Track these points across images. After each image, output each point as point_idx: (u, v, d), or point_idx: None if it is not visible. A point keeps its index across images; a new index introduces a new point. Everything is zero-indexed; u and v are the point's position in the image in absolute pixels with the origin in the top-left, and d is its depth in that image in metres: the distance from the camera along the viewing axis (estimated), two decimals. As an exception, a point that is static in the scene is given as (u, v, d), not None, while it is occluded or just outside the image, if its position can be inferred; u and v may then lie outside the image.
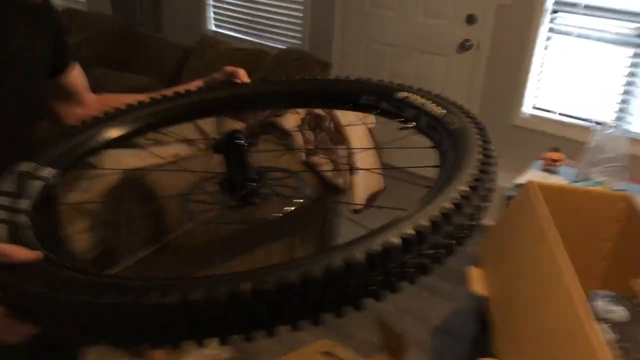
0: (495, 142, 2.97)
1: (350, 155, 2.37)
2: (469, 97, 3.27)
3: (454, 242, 0.58)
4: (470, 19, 3.15)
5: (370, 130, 2.53)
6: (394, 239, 0.54)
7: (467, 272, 1.80)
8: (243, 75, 1.03)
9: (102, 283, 0.55)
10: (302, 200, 0.89)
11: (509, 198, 2.13)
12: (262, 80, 1.09)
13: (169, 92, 1.07)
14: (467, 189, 0.62)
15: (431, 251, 0.57)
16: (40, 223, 0.74)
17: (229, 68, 1.05)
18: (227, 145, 0.89)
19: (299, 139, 2.33)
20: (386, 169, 2.98)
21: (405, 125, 0.90)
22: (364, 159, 2.43)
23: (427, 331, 2.34)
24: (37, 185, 0.79)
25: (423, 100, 0.88)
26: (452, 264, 2.57)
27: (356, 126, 2.45)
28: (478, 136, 0.76)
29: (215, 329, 0.54)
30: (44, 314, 0.58)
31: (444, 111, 0.84)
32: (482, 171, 0.66)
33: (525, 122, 3.12)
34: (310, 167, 2.29)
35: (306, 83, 1.08)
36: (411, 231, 0.55)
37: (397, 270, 0.55)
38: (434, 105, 0.86)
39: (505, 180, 3.05)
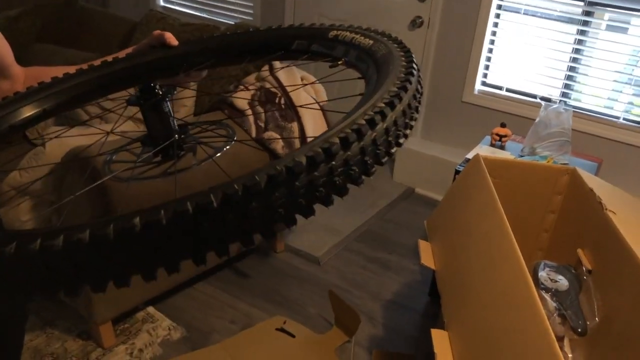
0: (445, 119, 3.03)
1: (302, 131, 2.35)
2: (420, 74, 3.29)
3: (369, 157, 0.57)
4: (421, -4, 3.16)
5: (322, 108, 2.52)
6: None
7: (418, 245, 1.82)
8: (170, 38, 1.00)
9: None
10: (228, 147, 0.85)
11: (458, 173, 2.16)
12: (193, 40, 1.05)
13: (97, 62, 1.02)
14: (382, 105, 0.61)
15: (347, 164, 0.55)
16: None
17: (156, 32, 1.01)
18: (140, 97, 0.85)
19: (251, 117, 2.30)
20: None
21: (335, 63, 0.89)
22: (316, 132, 2.42)
23: (379, 305, 2.37)
24: None
25: (352, 35, 0.87)
26: (402, 238, 2.63)
27: (309, 102, 2.44)
28: (402, 58, 0.75)
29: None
30: None
31: (371, 41, 0.82)
32: (401, 87, 0.65)
33: (475, 99, 3.17)
34: (262, 144, 2.27)
35: (235, 37, 1.04)
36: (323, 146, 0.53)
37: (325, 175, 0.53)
38: (363, 37, 0.85)
39: (455, 156, 3.11)
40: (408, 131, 0.64)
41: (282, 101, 2.32)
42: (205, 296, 2.35)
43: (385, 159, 0.60)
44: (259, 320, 2.23)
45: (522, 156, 2.33)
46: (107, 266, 0.49)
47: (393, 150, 0.61)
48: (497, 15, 3.02)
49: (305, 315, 2.28)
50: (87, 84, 0.97)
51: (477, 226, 1.62)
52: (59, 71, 1.00)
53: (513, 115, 3.04)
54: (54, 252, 0.48)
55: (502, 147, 2.41)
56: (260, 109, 2.33)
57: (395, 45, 0.80)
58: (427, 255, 1.79)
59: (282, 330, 2.17)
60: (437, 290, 1.67)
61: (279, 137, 2.28)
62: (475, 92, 3.17)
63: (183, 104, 2.44)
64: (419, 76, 0.73)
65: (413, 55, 0.77)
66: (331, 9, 3.51)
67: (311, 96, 2.47)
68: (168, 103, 0.86)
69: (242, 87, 2.39)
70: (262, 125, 2.29)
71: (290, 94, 2.35)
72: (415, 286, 2.51)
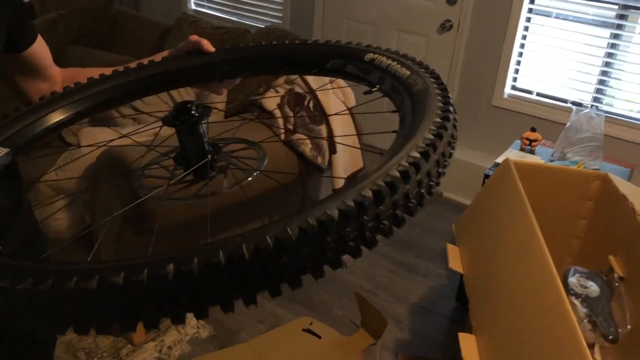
0: (475, 123, 3.01)
1: (331, 134, 2.37)
2: (449, 77, 3.28)
3: (395, 212, 0.56)
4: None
5: (351, 111, 2.53)
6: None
7: (447, 249, 1.82)
8: (207, 45, 1.02)
9: (24, 268, 0.52)
10: (257, 172, 0.86)
11: (488, 177, 2.15)
12: (229, 48, 1.05)
13: (133, 64, 1.04)
14: (417, 155, 0.59)
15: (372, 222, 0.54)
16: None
17: (193, 38, 1.02)
18: (175, 117, 0.85)
19: (279, 118, 2.32)
20: (366, 150, 2.99)
21: (370, 89, 0.87)
22: (344, 138, 2.44)
23: (405, 309, 2.37)
24: None
25: (389, 62, 0.85)
26: (429, 242, 2.62)
27: (337, 105, 2.45)
28: (439, 97, 0.73)
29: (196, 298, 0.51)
30: None
31: (408, 72, 0.81)
32: (436, 135, 0.63)
33: (505, 103, 3.15)
34: (291, 147, 2.29)
35: (271, 48, 1.03)
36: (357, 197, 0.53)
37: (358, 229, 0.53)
38: (400, 66, 0.83)
39: (484, 160, 3.09)
40: (441, 179, 0.63)
41: (311, 104, 2.34)
42: (233, 296, 2.37)
43: (418, 209, 0.59)
44: (285, 320, 2.25)
45: (552, 161, 2.31)
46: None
47: (425, 201, 0.60)
48: (528, 19, 2.99)
49: (331, 316, 2.29)
50: (121, 87, 0.98)
51: (507, 231, 1.62)
52: (95, 72, 1.02)
53: (543, 120, 3.01)
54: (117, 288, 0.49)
55: (532, 152, 2.39)
56: (289, 112, 2.35)
57: (432, 80, 0.78)
58: (456, 260, 1.78)
59: (309, 331, 2.19)
60: (464, 295, 1.67)
61: (306, 138, 2.30)
62: (505, 96, 3.15)
63: (214, 106, 2.47)
64: (455, 119, 0.71)
65: (450, 96, 0.74)
66: (360, 13, 3.52)
67: (339, 99, 2.48)
68: (203, 125, 0.87)
69: (271, 89, 2.42)
70: (291, 127, 2.32)
71: (319, 96, 2.36)
72: (442, 290, 2.50)
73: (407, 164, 0.57)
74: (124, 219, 1.88)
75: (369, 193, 0.53)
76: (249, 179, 0.84)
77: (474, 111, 3.27)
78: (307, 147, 2.29)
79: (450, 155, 0.66)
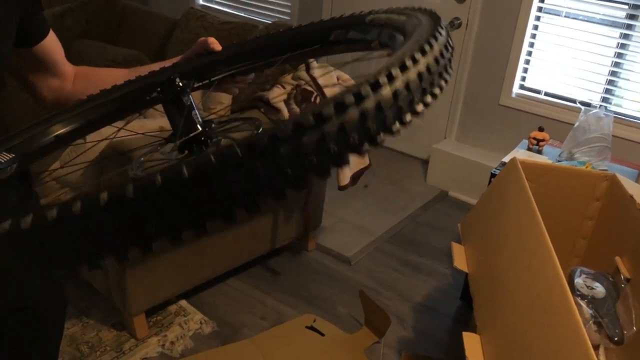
0: (482, 122, 2.98)
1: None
2: (457, 76, 3.27)
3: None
4: (460, -3, 3.13)
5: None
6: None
7: (452, 248, 1.81)
8: (213, 43, 1.01)
9: None
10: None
11: (495, 177, 2.14)
12: (231, 45, 1.04)
13: (144, 69, 1.03)
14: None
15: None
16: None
17: (201, 39, 1.02)
18: (160, 92, 0.84)
19: (286, 114, 2.32)
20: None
21: (369, 46, 0.84)
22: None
23: (409, 307, 2.36)
24: None
25: (387, 16, 0.82)
26: (434, 240, 2.61)
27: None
28: (430, 25, 0.68)
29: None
30: None
31: (404, 17, 0.77)
32: (419, 49, 0.58)
33: (513, 102, 3.13)
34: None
35: (276, 36, 1.02)
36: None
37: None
38: (397, 15, 0.79)
39: (491, 160, 3.07)
40: (429, 98, 0.57)
41: (318, 100, 2.33)
42: (237, 292, 2.37)
43: (397, 126, 0.53)
44: (289, 317, 2.24)
45: (560, 161, 2.29)
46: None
47: (406, 118, 0.54)
48: (537, 18, 2.97)
49: (334, 314, 2.28)
50: (133, 95, 0.97)
51: (513, 230, 1.60)
52: (106, 73, 1.02)
53: (551, 120, 2.99)
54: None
55: (539, 152, 2.38)
56: (296, 108, 2.34)
57: (427, 15, 0.74)
58: (461, 258, 1.77)
59: (312, 328, 2.18)
60: (468, 294, 1.66)
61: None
62: (513, 95, 3.13)
63: (220, 101, 2.47)
64: (448, 41, 0.66)
65: (442, 22, 0.70)
66: (369, 8, 3.50)
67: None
68: (190, 97, 0.85)
69: (278, 85, 2.41)
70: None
71: (326, 92, 2.35)
72: (446, 289, 2.49)
73: (382, 76, 0.52)
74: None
75: (350, 97, 0.49)
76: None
77: (481, 110, 3.26)
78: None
79: (441, 75, 0.61)
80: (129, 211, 0.45)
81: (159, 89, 0.85)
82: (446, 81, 0.62)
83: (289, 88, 2.40)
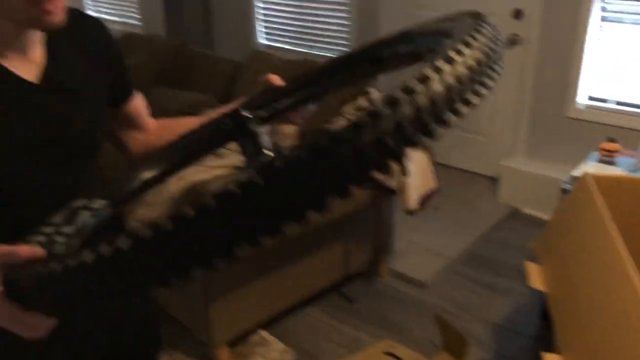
0: (549, 136, 2.95)
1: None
2: (520, 91, 3.24)
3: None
4: (517, 14, 3.12)
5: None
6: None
7: (526, 267, 1.79)
8: (275, 79, 1.05)
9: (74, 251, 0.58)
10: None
11: (565, 191, 2.11)
12: (294, 78, 1.09)
13: (215, 114, 1.11)
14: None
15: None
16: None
17: (263, 78, 1.07)
18: (229, 126, 0.89)
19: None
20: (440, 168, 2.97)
21: (419, 58, 0.84)
22: (415, 160, 2.46)
23: (487, 328, 2.33)
24: (85, 215, 0.84)
25: (436, 24, 0.81)
26: (509, 259, 2.59)
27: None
28: (473, 22, 0.67)
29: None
30: (49, 294, 0.61)
31: (452, 24, 0.76)
32: (464, 42, 0.58)
33: (580, 113, 3.06)
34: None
35: (327, 65, 1.03)
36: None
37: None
38: (445, 22, 0.79)
39: (562, 173, 3.01)
40: (483, 90, 0.57)
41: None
42: (314, 320, 2.43)
43: (451, 117, 0.53)
44: (366, 344, 2.27)
45: (635, 172, 2.22)
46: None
47: (460, 110, 0.54)
48: (599, 27, 2.92)
49: (412, 339, 2.29)
50: (206, 136, 1.04)
51: (589, 247, 1.58)
52: (183, 122, 1.11)
53: (622, 129, 2.90)
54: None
55: (611, 163, 2.32)
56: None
57: (473, 16, 0.72)
58: (536, 277, 1.75)
59: (391, 354, 2.19)
60: (548, 313, 1.64)
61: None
62: (580, 106, 3.07)
63: (286, 136, 2.57)
64: (496, 34, 0.65)
65: (487, 18, 0.69)
66: (425, 34, 3.54)
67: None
68: (258, 127, 0.89)
69: (341, 117, 2.48)
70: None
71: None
72: (525, 309, 2.44)
73: (440, 60, 0.54)
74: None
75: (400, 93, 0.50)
76: None
77: (547, 123, 3.20)
78: (379, 171, 2.32)
79: (491, 67, 0.60)
80: (242, 204, 0.48)
81: (226, 124, 0.91)
82: (498, 72, 0.62)
83: (351, 118, 2.46)
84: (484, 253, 2.86)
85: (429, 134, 0.52)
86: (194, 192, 1.99)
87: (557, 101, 3.13)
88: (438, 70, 0.53)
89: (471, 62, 0.57)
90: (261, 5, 4.40)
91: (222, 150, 2.09)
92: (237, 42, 4.58)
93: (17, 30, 0.85)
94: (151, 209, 2.12)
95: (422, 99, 0.51)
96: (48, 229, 0.79)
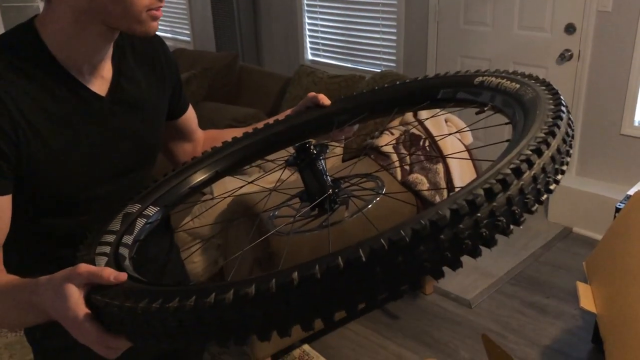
0: (603, 154, 2.88)
1: (447, 172, 2.37)
2: (573, 107, 3.16)
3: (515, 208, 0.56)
4: (569, 28, 3.05)
5: (466, 146, 2.52)
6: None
7: (577, 288, 1.74)
8: (323, 99, 1.09)
9: (167, 292, 0.60)
10: (376, 200, 0.89)
11: (619, 211, 2.04)
12: (341, 98, 1.12)
13: (259, 125, 1.14)
14: (529, 152, 0.59)
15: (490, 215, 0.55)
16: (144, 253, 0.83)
17: (311, 94, 1.10)
18: (296, 157, 0.92)
19: (395, 159, 2.37)
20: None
21: (481, 109, 0.88)
22: (463, 175, 2.43)
23: (537, 352, 2.26)
24: (140, 222, 0.89)
25: (498, 80, 0.86)
26: (559, 280, 2.52)
27: (454, 143, 2.46)
28: (550, 101, 0.72)
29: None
30: (129, 325, 0.63)
31: (517, 85, 0.81)
32: (548, 132, 0.63)
33: (636, 131, 2.96)
34: (408, 187, 2.32)
35: (383, 91, 1.08)
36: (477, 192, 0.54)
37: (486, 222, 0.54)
38: (509, 82, 0.84)
39: (615, 192, 2.91)
40: (559, 176, 0.62)
41: (427, 143, 2.37)
42: (358, 336, 2.41)
43: (536, 207, 0.58)
44: (410, 362, 2.24)
45: (694, 191, 2.13)
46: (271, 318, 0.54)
47: (543, 198, 0.59)
48: (657, 41, 2.82)
49: (456, 358, 2.24)
50: (252, 146, 1.09)
51: (643, 267, 1.52)
52: (229, 133, 1.14)
53: (682, 147, 2.79)
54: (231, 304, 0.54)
55: (670, 182, 2.23)
56: (405, 152, 2.39)
57: (543, 87, 0.78)
58: (587, 299, 1.70)
59: (434, 373, 2.15)
60: (600, 336, 1.58)
61: (424, 178, 2.32)
62: (636, 123, 2.96)
63: (332, 151, 2.58)
64: (569, 118, 0.70)
65: (562, 97, 0.74)
66: (474, 50, 3.51)
67: (456, 137, 2.49)
68: (322, 161, 0.93)
69: (387, 132, 2.48)
70: (407, 168, 2.35)
71: (435, 136, 2.38)
72: (576, 332, 2.36)
73: (518, 162, 0.58)
74: (254, 260, 2.01)
75: (480, 191, 0.54)
76: (369, 206, 0.88)
77: (601, 141, 3.11)
78: (424, 186, 2.31)
79: (568, 152, 0.65)
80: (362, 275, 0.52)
81: (294, 156, 0.94)
82: (570, 155, 0.66)
83: (397, 133, 2.46)
84: (533, 273, 2.78)
85: (516, 222, 0.56)
86: (241, 208, 2.02)
87: (611, 118, 3.04)
88: (530, 163, 0.58)
89: (554, 153, 0.62)
90: (308, 21, 4.46)
91: (268, 165, 2.11)
92: (285, 57, 4.65)
93: (102, 45, 0.90)
94: (198, 220, 2.17)
95: (514, 190, 0.56)
96: (110, 238, 0.82)
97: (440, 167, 2.35)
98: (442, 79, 1.00)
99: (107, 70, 0.95)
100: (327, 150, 0.94)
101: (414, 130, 2.41)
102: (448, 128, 2.46)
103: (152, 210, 0.93)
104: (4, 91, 0.82)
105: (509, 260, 2.88)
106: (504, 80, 0.85)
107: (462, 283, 2.71)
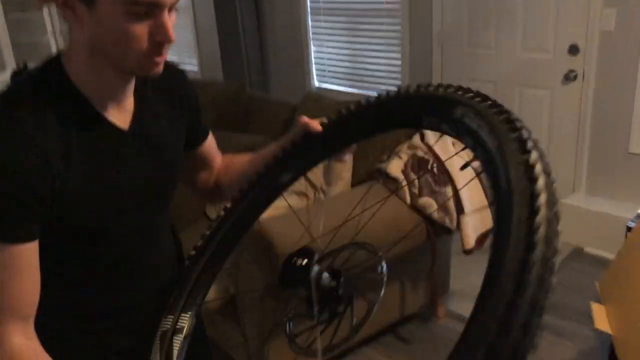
0: (612, 172, 2.89)
1: (457, 195, 2.37)
2: (579, 126, 3.17)
3: None
4: (573, 49, 3.08)
5: (475, 170, 2.53)
6: None
7: (592, 308, 1.73)
8: (313, 125, 1.05)
9: None
10: (383, 293, 0.92)
11: (631, 229, 2.03)
12: (326, 124, 1.08)
13: (265, 151, 1.15)
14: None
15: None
16: None
17: (301, 122, 1.07)
18: (287, 278, 0.96)
19: (404, 184, 2.38)
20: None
21: (466, 162, 0.89)
22: (472, 198, 2.43)
23: (553, 373, 2.24)
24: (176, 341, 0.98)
25: (478, 123, 0.79)
26: (573, 301, 2.50)
27: (461, 164, 2.46)
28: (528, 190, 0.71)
29: None
30: None
31: (497, 142, 0.75)
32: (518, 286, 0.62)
33: (644, 149, 2.96)
34: (418, 210, 2.33)
35: (365, 112, 1.02)
36: None
37: None
38: (487, 133, 0.77)
39: (626, 211, 2.90)
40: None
41: (435, 167, 2.38)
42: (370, 362, 2.39)
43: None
44: (425, 387, 2.21)
45: None
46: None
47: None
48: (661, 60, 2.84)
49: (472, 382, 2.22)
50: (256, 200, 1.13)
51: (657, 286, 1.51)
52: (238, 159, 1.16)
53: (691, 164, 2.79)
54: None
55: (680, 199, 2.22)
56: (413, 176, 2.40)
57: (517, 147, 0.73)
58: (602, 319, 1.69)
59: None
60: (616, 356, 1.56)
61: (433, 202, 2.32)
62: (644, 141, 2.97)
63: (340, 176, 2.60)
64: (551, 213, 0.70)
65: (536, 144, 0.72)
66: (479, 72, 3.54)
67: (463, 158, 2.50)
68: (313, 270, 0.96)
69: (395, 156, 2.49)
70: (417, 191, 2.36)
71: (442, 158, 2.40)
72: (592, 353, 2.33)
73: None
74: (266, 287, 2.01)
75: None
76: (380, 296, 0.91)
77: (610, 160, 3.11)
78: (433, 209, 2.31)
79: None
80: None
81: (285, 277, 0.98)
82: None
83: (405, 157, 2.47)
84: (546, 294, 2.76)
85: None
86: (254, 236, 2.02)
87: (619, 136, 3.04)
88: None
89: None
90: (314, 48, 4.52)
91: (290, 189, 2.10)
92: (292, 84, 4.70)
93: (122, 80, 0.92)
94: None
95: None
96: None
97: (449, 189, 2.36)
98: (423, 101, 0.94)
99: (129, 103, 0.96)
100: (314, 259, 0.96)
101: (422, 155, 2.42)
102: (455, 150, 2.48)
103: (184, 320, 1.01)
104: (36, 129, 0.82)
105: (521, 281, 2.86)
106: (483, 132, 0.78)
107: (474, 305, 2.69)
